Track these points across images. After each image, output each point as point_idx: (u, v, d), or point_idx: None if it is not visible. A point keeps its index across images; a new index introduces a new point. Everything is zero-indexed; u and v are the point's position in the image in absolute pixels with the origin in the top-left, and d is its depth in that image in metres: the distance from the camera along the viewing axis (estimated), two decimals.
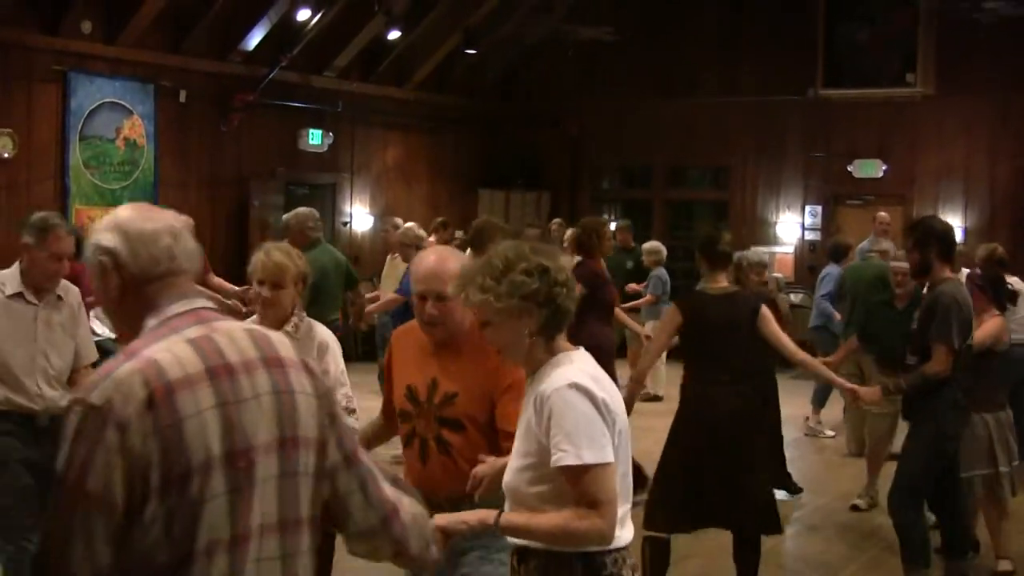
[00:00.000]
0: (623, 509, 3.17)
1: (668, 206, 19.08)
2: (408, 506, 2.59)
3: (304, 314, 4.86)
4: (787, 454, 9.41)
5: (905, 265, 7.37)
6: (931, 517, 6.98)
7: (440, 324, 3.90)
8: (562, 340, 3.26)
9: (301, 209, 9.65)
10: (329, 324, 5.79)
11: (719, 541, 6.82)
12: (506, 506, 3.24)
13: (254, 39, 15.00)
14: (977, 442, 6.80)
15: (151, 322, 2.30)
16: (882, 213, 13.55)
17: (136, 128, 14.12)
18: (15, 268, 5.35)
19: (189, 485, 2.13)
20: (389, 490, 2.55)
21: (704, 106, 18.11)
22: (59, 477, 2.12)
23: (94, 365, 5.50)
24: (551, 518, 3.09)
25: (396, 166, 17.99)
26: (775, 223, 17.91)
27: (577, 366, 3.19)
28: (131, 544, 2.11)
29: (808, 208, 17.68)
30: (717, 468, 6.10)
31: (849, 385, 6.75)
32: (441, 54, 17.63)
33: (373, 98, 17.25)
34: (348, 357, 5.30)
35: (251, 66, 15.24)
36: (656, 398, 12.96)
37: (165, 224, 2.36)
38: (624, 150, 18.80)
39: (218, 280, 11.36)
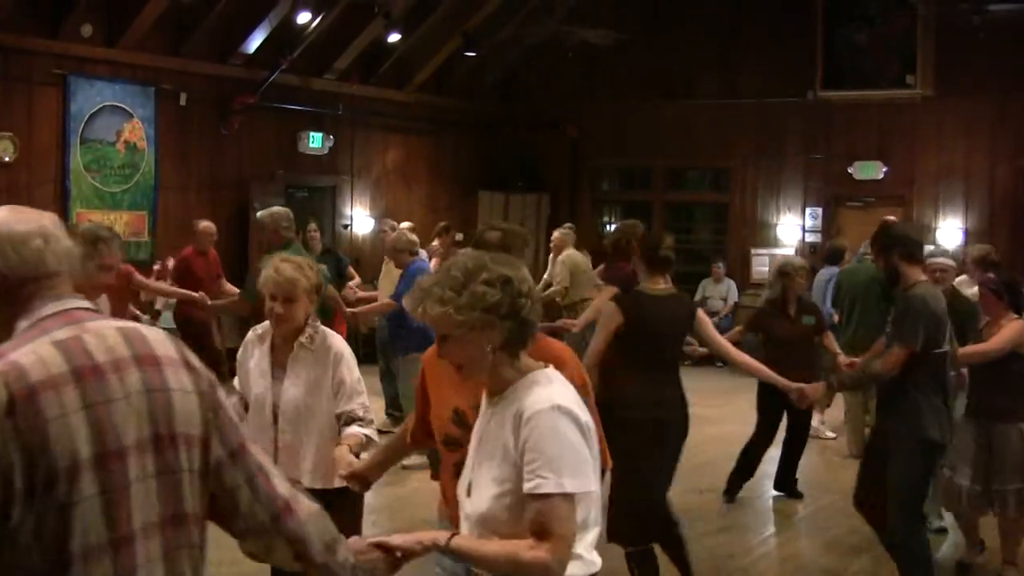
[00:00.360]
0: (593, 533, 3.03)
1: (668, 208, 19.09)
2: (305, 504, 2.53)
3: (319, 324, 4.83)
4: None
5: (943, 261, 7.35)
6: (934, 523, 7.00)
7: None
8: (527, 357, 3.08)
9: (276, 208, 9.60)
10: None
11: (718, 541, 6.83)
12: (475, 533, 3.06)
13: (254, 42, 15.00)
14: (1012, 455, 6.69)
15: (23, 324, 2.26)
16: (889, 217, 13.57)
17: (136, 131, 14.13)
18: None
19: (55, 489, 2.09)
20: (282, 486, 2.49)
21: (704, 108, 18.12)
22: None
23: None
24: (500, 545, 2.92)
25: (396, 168, 18.00)
26: (775, 225, 17.92)
27: (557, 387, 3.02)
28: (1, 550, 2.08)
29: (808, 210, 17.68)
30: (670, 470, 6.19)
31: (794, 385, 6.73)
32: (441, 57, 17.63)
33: (373, 100, 17.25)
34: None
35: (251, 69, 15.24)
36: None
37: (37, 226, 2.33)
38: (624, 152, 18.82)
39: (229, 286, 11.44)
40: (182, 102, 14.63)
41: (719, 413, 11.44)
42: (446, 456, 3.80)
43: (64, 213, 13.33)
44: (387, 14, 15.52)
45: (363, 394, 4.82)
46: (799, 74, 17.18)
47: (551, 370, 3.09)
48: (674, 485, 6.45)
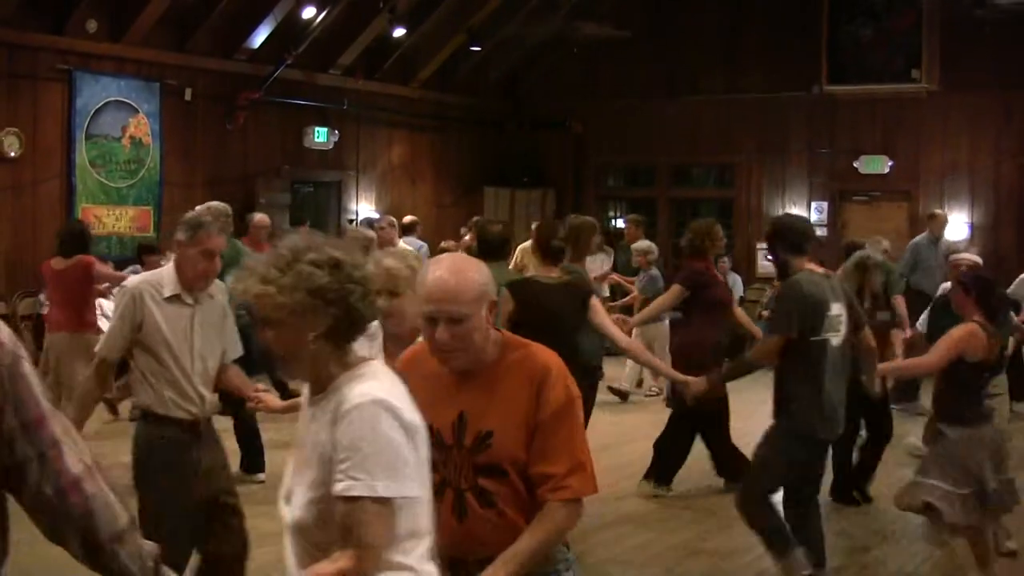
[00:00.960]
0: (426, 543, 2.78)
1: (672, 204, 19.07)
2: (100, 486, 2.45)
3: None
4: None
5: (965, 256, 7.16)
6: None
7: (456, 352, 3.17)
8: (356, 352, 2.81)
9: (215, 204, 9.68)
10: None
11: (731, 534, 6.82)
12: (293, 543, 2.82)
13: (259, 37, 15.01)
14: (941, 457, 6.37)
15: None
16: (938, 211, 13.67)
17: (142, 127, 14.14)
18: (170, 268, 5.22)
19: None
20: (76, 464, 2.42)
21: (709, 104, 18.11)
22: None
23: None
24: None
25: (401, 164, 18.01)
26: None
27: (382, 381, 2.74)
28: None
29: (814, 205, 17.66)
30: None
31: (681, 377, 6.71)
32: (446, 52, 17.63)
33: (378, 96, 17.26)
34: None
35: (256, 64, 15.25)
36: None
37: None
38: (629, 148, 18.81)
39: None
40: (187, 97, 14.64)
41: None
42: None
43: (70, 208, 13.37)
44: (392, 9, 15.53)
45: None
46: (804, 69, 17.15)
47: (378, 363, 2.84)
48: (682, 483, 6.42)
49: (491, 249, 7.84)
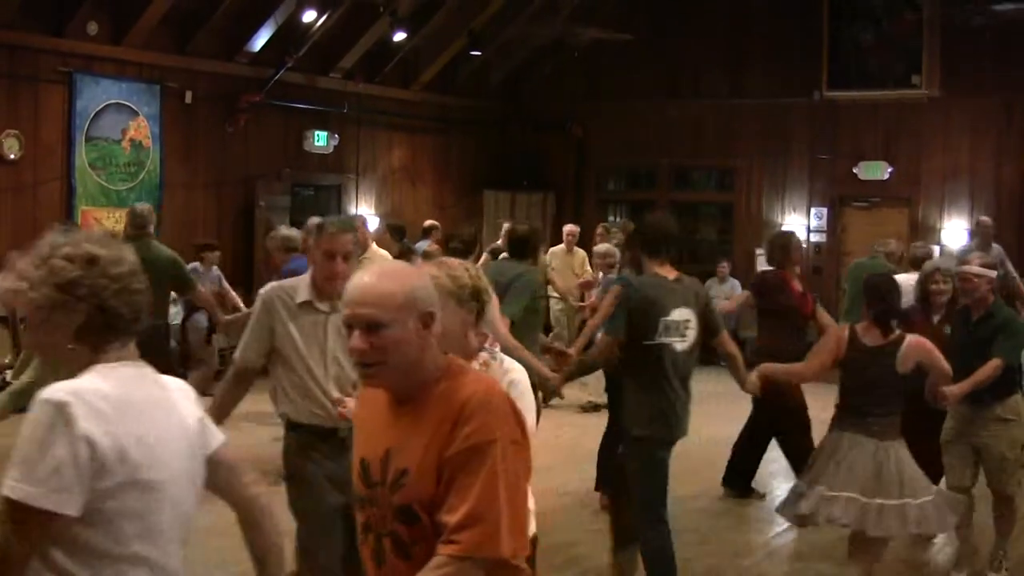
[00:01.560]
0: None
1: (673, 207, 19.03)
2: None
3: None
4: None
5: (975, 269, 6.77)
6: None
7: (375, 366, 2.79)
8: (118, 353, 2.62)
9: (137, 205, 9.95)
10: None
11: (723, 540, 6.82)
12: None
13: (260, 40, 15.02)
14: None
15: None
16: (984, 218, 13.71)
17: (142, 129, 14.15)
18: (307, 276, 5.18)
19: None
20: None
21: (709, 108, 18.13)
22: None
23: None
24: None
25: (402, 167, 18.01)
26: (780, 225, 17.88)
27: (85, 379, 2.54)
28: None
29: (814, 210, 17.67)
30: None
31: (547, 372, 6.72)
32: (447, 56, 17.64)
33: (379, 99, 17.26)
34: None
35: (257, 67, 15.26)
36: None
37: None
38: (629, 152, 18.81)
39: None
40: (188, 100, 14.64)
41: (718, 413, 11.38)
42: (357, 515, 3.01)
43: (69, 211, 13.37)
44: (393, 12, 15.53)
45: None
46: (805, 74, 17.16)
47: (116, 362, 2.61)
48: (681, 489, 6.40)
49: (516, 249, 7.93)
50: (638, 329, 5.99)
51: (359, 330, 2.75)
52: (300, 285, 5.13)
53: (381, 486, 2.82)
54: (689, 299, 6.10)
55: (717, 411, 10.18)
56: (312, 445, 5.07)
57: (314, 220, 5.32)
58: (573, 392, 11.60)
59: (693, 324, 6.07)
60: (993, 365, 6.50)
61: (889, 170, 17.00)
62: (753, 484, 9.22)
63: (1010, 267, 12.85)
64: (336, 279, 4.93)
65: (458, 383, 2.80)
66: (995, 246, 13.10)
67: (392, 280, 2.78)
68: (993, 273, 6.91)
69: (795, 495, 6.43)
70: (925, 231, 16.61)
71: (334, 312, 4.97)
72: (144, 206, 9.80)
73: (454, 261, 3.67)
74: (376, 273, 2.82)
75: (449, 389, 2.79)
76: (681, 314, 6.03)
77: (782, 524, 8.31)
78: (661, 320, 5.95)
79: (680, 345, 6.03)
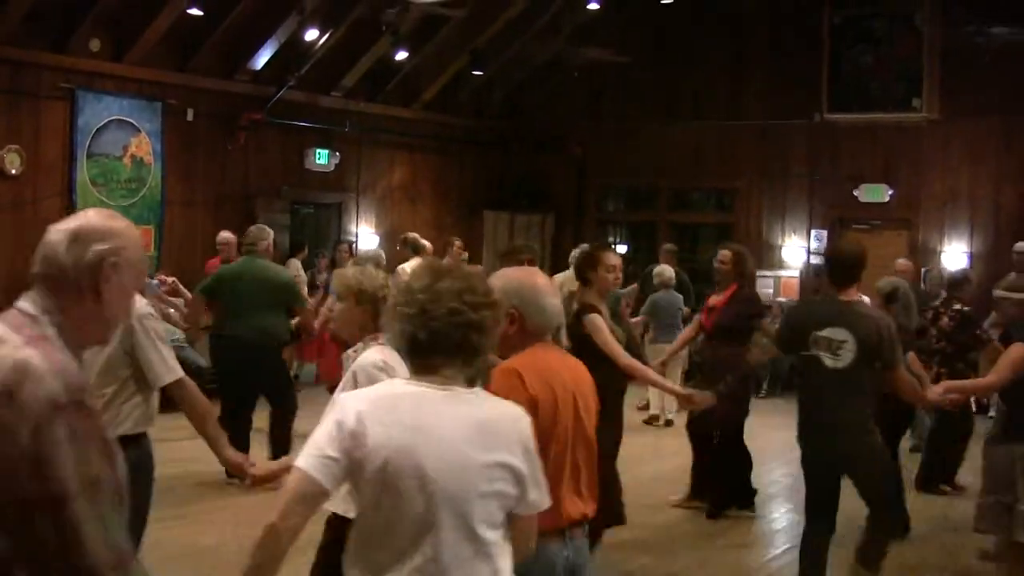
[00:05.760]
0: None
1: (673, 229, 19.07)
2: None
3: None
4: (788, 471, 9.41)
5: (1007, 294, 7.00)
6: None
7: None
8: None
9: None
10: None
11: (733, 555, 6.76)
12: None
13: (262, 58, 15.06)
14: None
15: None
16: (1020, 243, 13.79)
17: (143, 146, 14.17)
18: None
19: None
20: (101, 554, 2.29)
21: (710, 129, 18.15)
22: None
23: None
24: None
25: (402, 186, 18.03)
26: (780, 247, 17.91)
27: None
28: None
29: (813, 232, 17.67)
30: None
31: (682, 391, 6.76)
32: (448, 75, 17.68)
33: (379, 118, 17.29)
34: None
35: (258, 85, 15.29)
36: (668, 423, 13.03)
37: (68, 230, 2.50)
38: (629, 173, 18.83)
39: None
40: (189, 117, 14.68)
41: None
42: None
43: None
44: (394, 32, 15.56)
45: None
46: (805, 96, 17.18)
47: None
48: (678, 510, 6.40)
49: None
50: (790, 341, 6.36)
51: None
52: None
53: None
54: (854, 323, 6.18)
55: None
56: None
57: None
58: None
59: (850, 346, 6.13)
60: None
61: (890, 192, 17.01)
62: (740, 503, 9.20)
63: None
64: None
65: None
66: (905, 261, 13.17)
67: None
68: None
69: (995, 512, 6.58)
70: (925, 254, 16.62)
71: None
72: (257, 227, 10.13)
73: (374, 270, 4.66)
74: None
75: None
76: (835, 333, 6.14)
77: (780, 546, 8.30)
78: (812, 334, 6.19)
79: (831, 362, 6.15)
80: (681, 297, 13.51)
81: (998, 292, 7.09)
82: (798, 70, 17.26)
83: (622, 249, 19.49)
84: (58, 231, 2.49)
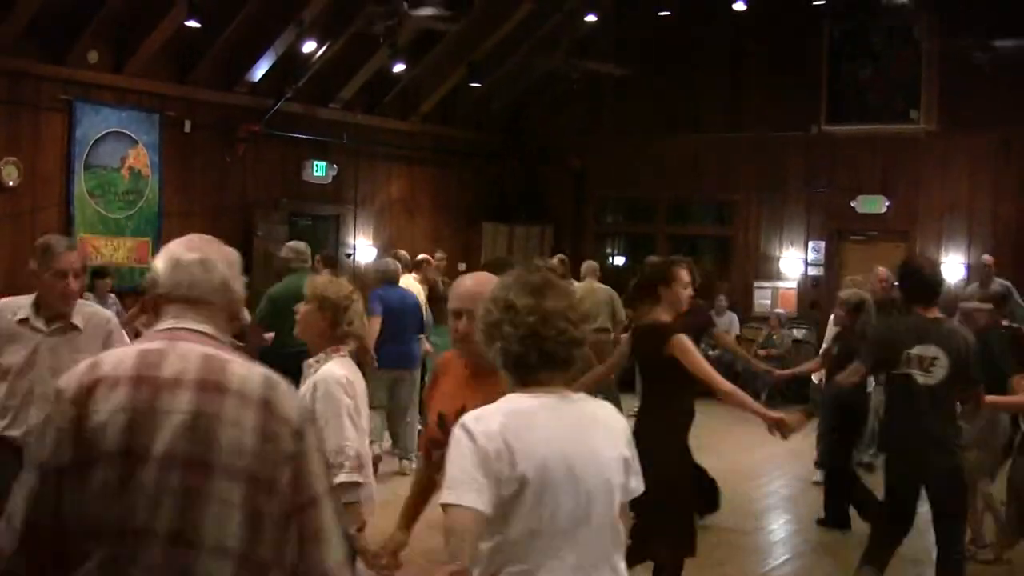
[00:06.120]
0: None
1: (672, 241, 19.08)
2: None
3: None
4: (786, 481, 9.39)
5: (980, 305, 7.69)
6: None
7: (462, 340, 3.93)
8: None
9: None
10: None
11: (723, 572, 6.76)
12: None
13: (260, 70, 15.07)
14: None
15: (150, 332, 2.59)
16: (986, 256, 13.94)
17: (141, 157, 14.17)
18: (32, 296, 5.18)
19: (89, 469, 2.36)
20: (331, 558, 2.48)
21: (708, 142, 18.16)
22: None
23: None
24: None
25: (400, 198, 18.02)
26: (778, 258, 17.91)
27: None
28: (50, 511, 2.38)
29: (811, 243, 17.68)
30: None
31: (773, 415, 6.72)
32: (446, 87, 17.69)
33: (378, 130, 17.30)
34: None
35: (256, 97, 15.29)
36: None
37: (200, 257, 2.63)
38: (628, 185, 18.84)
39: None
40: (187, 129, 14.68)
41: (709, 445, 11.35)
42: (434, 456, 3.92)
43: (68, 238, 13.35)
44: (392, 44, 15.56)
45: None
46: (803, 108, 17.20)
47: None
48: None
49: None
50: (882, 360, 6.43)
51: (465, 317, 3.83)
52: (23, 303, 5.18)
53: None
54: (945, 340, 6.27)
55: (709, 443, 10.14)
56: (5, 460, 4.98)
57: (40, 241, 5.31)
58: None
59: (942, 363, 6.22)
60: None
61: (887, 204, 17.02)
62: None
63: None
64: (71, 297, 5.10)
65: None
66: (999, 281, 13.14)
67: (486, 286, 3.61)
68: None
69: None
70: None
71: (52, 333, 5.07)
72: (299, 243, 10.54)
73: (342, 281, 4.87)
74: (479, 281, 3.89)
75: None
76: (926, 350, 6.21)
77: (780, 556, 8.29)
78: (904, 352, 6.25)
79: (923, 379, 6.24)
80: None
81: (970, 304, 7.40)
82: (796, 82, 17.28)
83: (620, 261, 19.53)
84: (221, 259, 2.67)
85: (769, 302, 17.55)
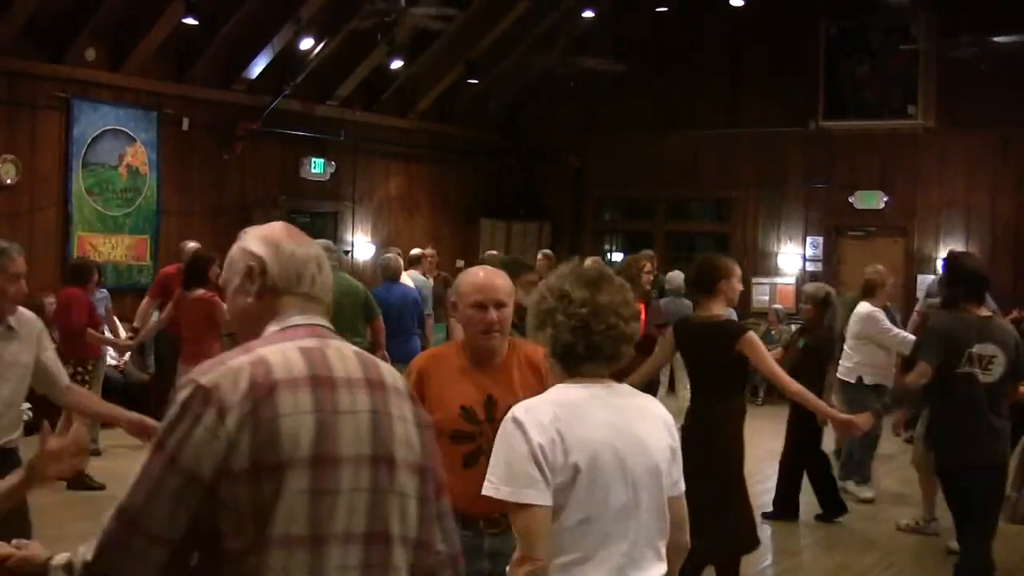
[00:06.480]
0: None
1: (669, 238, 19.09)
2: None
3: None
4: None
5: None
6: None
7: (500, 331, 4.09)
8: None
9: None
10: None
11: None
12: None
13: (257, 68, 15.06)
14: None
15: (272, 327, 2.49)
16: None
17: (139, 155, 14.16)
18: None
19: (272, 476, 2.27)
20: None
21: (706, 139, 18.16)
22: (158, 441, 2.29)
23: None
24: None
25: (398, 196, 18.02)
26: (776, 254, 17.93)
27: None
28: (204, 519, 2.26)
29: (809, 239, 17.70)
30: None
31: (841, 416, 6.73)
32: (444, 84, 17.69)
33: (375, 127, 17.29)
34: None
35: (254, 95, 15.29)
36: None
37: (315, 253, 2.58)
38: (626, 182, 18.84)
39: None
40: (185, 127, 14.67)
41: None
42: (452, 449, 3.98)
43: (66, 236, 13.37)
44: (390, 41, 15.57)
45: None
46: (801, 105, 17.21)
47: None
48: None
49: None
50: (948, 361, 6.36)
51: (491, 308, 4.07)
52: None
53: (490, 421, 4.00)
54: (1001, 338, 6.37)
55: None
56: None
57: None
58: None
59: (1000, 361, 6.31)
60: None
61: (885, 199, 17.03)
62: None
63: None
64: (18, 298, 5.14)
65: (527, 348, 4.16)
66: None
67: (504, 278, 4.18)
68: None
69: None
70: (921, 261, 16.67)
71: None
72: (330, 242, 10.60)
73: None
74: (492, 271, 4.20)
75: (521, 353, 4.18)
76: (985, 349, 6.27)
77: (779, 553, 8.29)
78: (967, 351, 6.29)
79: (983, 377, 6.31)
80: (691, 304, 13.44)
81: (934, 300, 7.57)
82: (794, 79, 17.29)
83: (618, 258, 19.53)
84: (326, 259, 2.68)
85: (767, 298, 17.57)
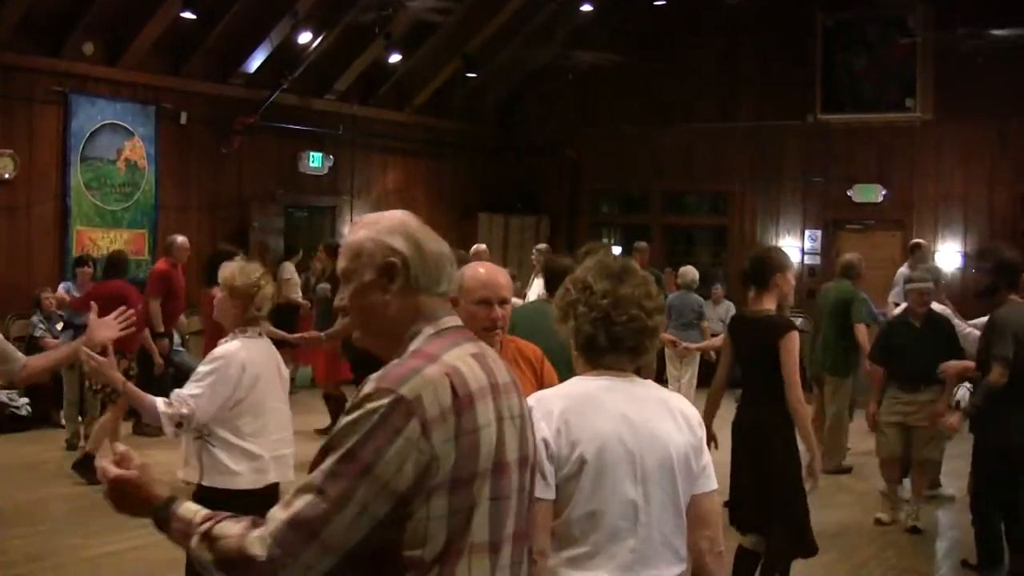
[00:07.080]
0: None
1: (667, 231, 19.09)
2: None
3: None
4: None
5: (926, 285, 8.32)
6: None
7: (502, 327, 4.06)
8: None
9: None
10: None
11: None
12: None
13: (255, 62, 15.04)
14: None
15: (428, 329, 2.41)
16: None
17: (137, 150, 14.14)
18: None
19: (471, 488, 2.30)
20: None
21: (703, 132, 18.15)
22: (349, 451, 2.20)
23: None
24: None
25: (396, 189, 18.01)
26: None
27: None
28: (386, 529, 2.22)
29: (807, 232, 17.69)
30: None
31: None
32: (441, 78, 17.67)
33: (373, 121, 17.28)
34: None
35: (252, 89, 15.27)
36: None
37: (447, 251, 2.52)
38: (623, 176, 18.83)
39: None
40: (183, 121, 14.66)
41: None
42: None
43: (64, 231, 13.35)
44: (387, 35, 15.56)
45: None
46: (798, 98, 17.20)
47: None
48: None
49: (555, 281, 7.85)
50: (1017, 352, 6.64)
51: (496, 304, 4.02)
52: None
53: None
54: None
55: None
56: None
57: None
58: None
59: None
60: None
61: (883, 193, 17.03)
62: None
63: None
64: None
65: (519, 343, 4.35)
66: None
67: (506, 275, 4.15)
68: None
69: None
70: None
71: None
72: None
73: (254, 266, 5.10)
74: (493, 268, 4.16)
75: (517, 346, 4.38)
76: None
77: None
78: None
79: None
80: (700, 299, 13.46)
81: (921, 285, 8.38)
82: (791, 72, 17.29)
83: (616, 251, 19.51)
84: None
85: None
